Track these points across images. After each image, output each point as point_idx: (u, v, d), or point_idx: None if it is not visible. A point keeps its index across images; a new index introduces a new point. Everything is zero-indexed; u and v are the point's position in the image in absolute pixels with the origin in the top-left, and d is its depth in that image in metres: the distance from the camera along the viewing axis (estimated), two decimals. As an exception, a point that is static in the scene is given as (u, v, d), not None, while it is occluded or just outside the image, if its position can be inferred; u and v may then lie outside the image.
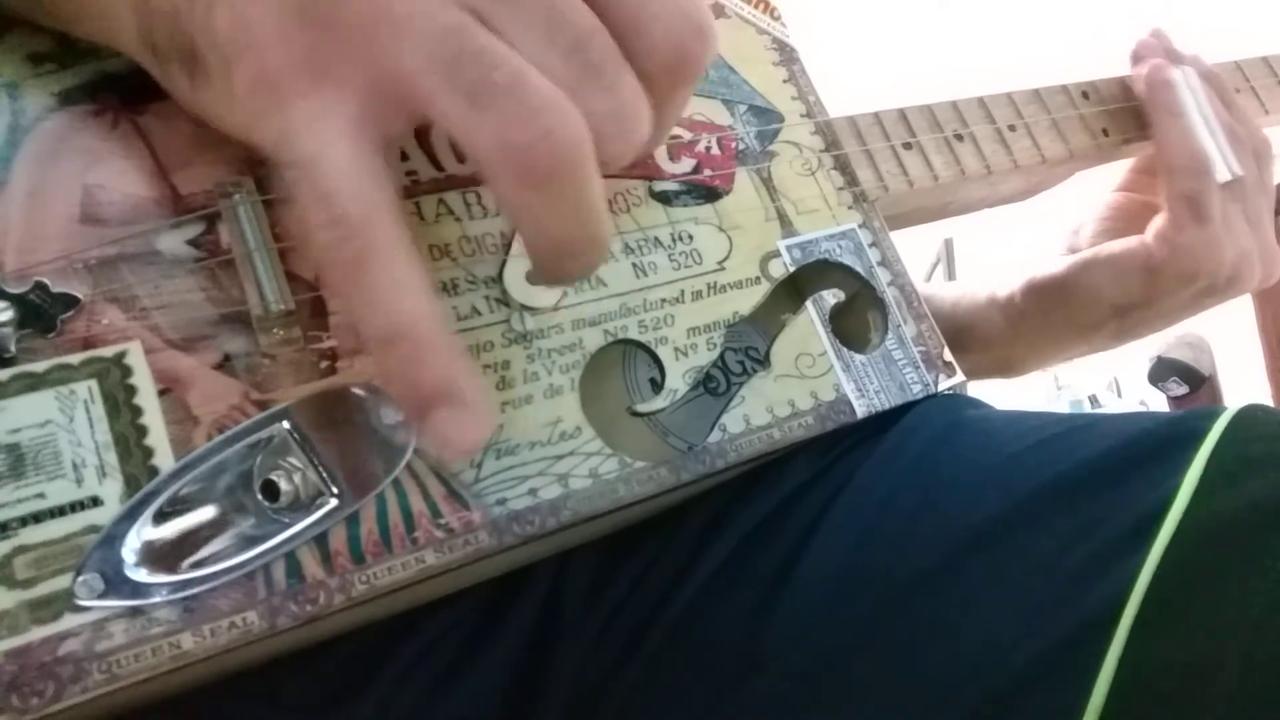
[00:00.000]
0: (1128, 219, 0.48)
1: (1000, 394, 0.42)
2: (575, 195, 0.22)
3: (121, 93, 0.28)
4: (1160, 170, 0.45)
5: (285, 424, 0.26)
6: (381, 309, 0.22)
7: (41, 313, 0.25)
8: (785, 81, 0.40)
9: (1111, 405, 1.87)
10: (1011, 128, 0.44)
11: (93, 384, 0.25)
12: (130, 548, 0.24)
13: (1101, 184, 0.51)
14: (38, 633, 0.23)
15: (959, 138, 0.42)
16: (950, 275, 1.80)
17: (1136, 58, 0.49)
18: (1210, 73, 0.48)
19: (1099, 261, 0.45)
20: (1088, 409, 1.85)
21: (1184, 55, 0.48)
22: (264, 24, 0.22)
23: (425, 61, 0.21)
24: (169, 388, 0.26)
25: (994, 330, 0.48)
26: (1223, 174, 0.44)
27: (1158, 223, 0.44)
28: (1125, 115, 0.48)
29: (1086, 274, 0.45)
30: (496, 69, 0.21)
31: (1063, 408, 1.86)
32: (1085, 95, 0.46)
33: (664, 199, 0.35)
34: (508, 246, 0.31)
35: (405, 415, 0.24)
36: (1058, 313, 0.46)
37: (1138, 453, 0.30)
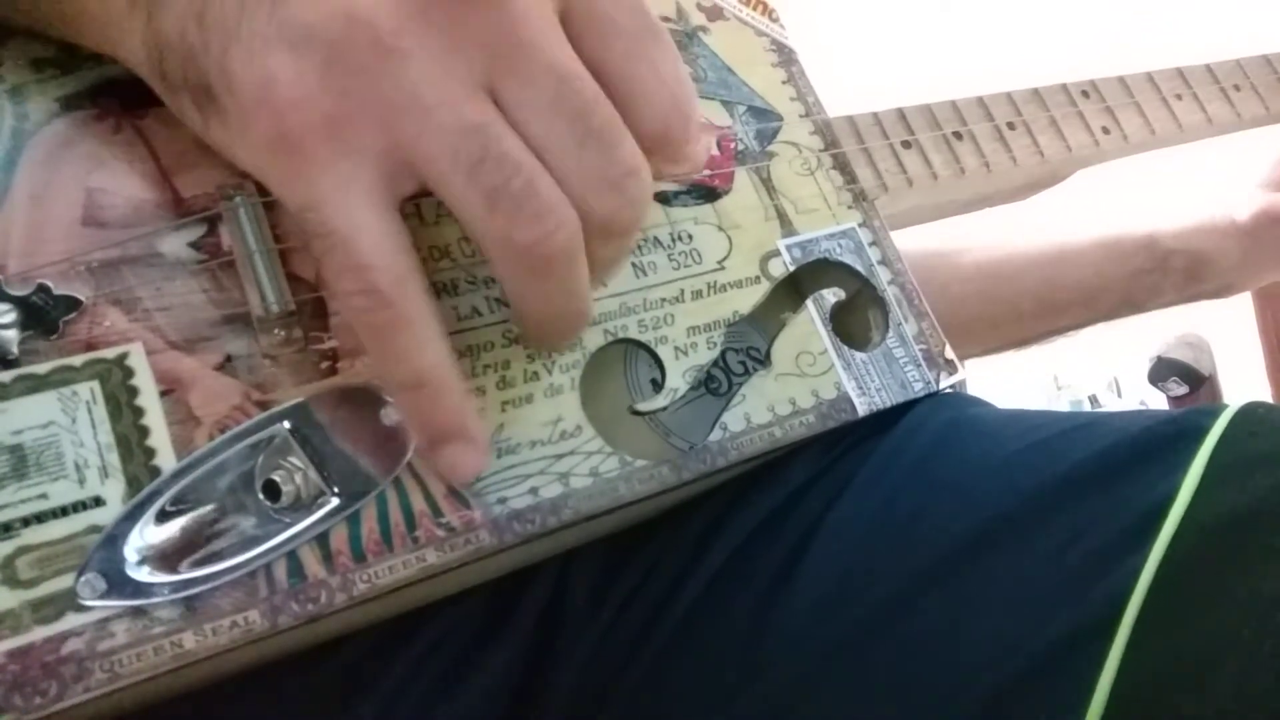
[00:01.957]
0: None
1: (1000, 394, 0.42)
2: (563, 283, 0.25)
3: (123, 97, 0.28)
4: None
5: (286, 424, 0.26)
6: (407, 363, 0.25)
7: (44, 315, 0.25)
8: (784, 82, 0.40)
9: (1111, 405, 1.86)
10: (1010, 126, 0.44)
11: (95, 385, 0.25)
12: (132, 547, 0.24)
13: (1094, 183, 0.51)
14: (40, 632, 0.23)
15: (958, 136, 0.42)
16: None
17: None
18: None
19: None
20: (1088, 409, 1.85)
21: None
22: (285, 82, 0.23)
23: (449, 155, 0.23)
24: (171, 389, 0.26)
25: (1230, 259, 0.52)
26: None
27: None
28: (1127, 113, 0.48)
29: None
30: (514, 176, 0.23)
31: (1062, 407, 1.86)
32: (1085, 94, 0.46)
33: (663, 199, 0.35)
34: None
35: (419, 448, 0.27)
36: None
37: (1139, 451, 0.30)
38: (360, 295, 0.24)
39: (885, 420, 0.35)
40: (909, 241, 0.39)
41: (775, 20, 0.41)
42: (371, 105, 0.23)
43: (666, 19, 0.39)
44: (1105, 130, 0.46)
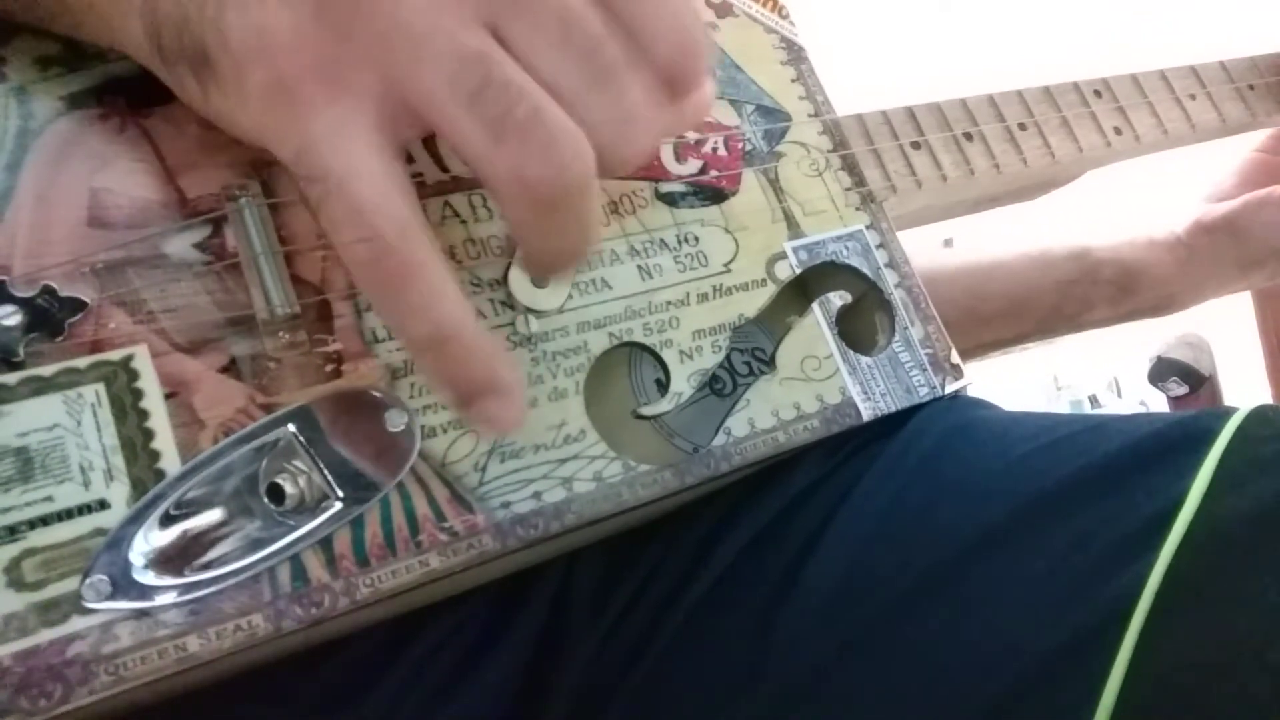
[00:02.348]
0: (1269, 175, 0.52)
1: (1000, 394, 0.42)
2: (575, 218, 0.23)
3: (128, 96, 0.28)
4: None
5: (291, 427, 0.27)
6: (425, 317, 0.23)
7: (49, 316, 0.25)
8: (793, 81, 0.40)
9: (1111, 405, 1.86)
10: (1022, 126, 0.43)
11: (100, 388, 0.25)
12: (137, 550, 0.24)
13: (1111, 185, 0.51)
14: (46, 635, 0.23)
15: (968, 137, 0.42)
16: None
17: None
18: None
19: (1274, 199, 0.49)
20: (1088, 409, 1.84)
21: None
22: (278, 28, 0.22)
23: (447, 85, 0.22)
24: (175, 391, 0.26)
25: (1164, 271, 0.52)
26: None
27: None
28: (1139, 113, 0.47)
29: (1260, 211, 0.49)
30: (519, 104, 0.22)
31: (1063, 408, 1.85)
32: (1098, 93, 0.46)
33: (670, 200, 0.35)
34: (512, 249, 0.31)
35: (453, 406, 0.26)
36: (1227, 251, 0.50)
37: (1148, 454, 0.29)
38: (362, 244, 0.22)
39: (891, 423, 0.35)
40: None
41: (785, 17, 0.41)
42: (366, 43, 0.22)
43: None
44: (1117, 131, 0.46)
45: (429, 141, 0.31)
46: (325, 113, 0.23)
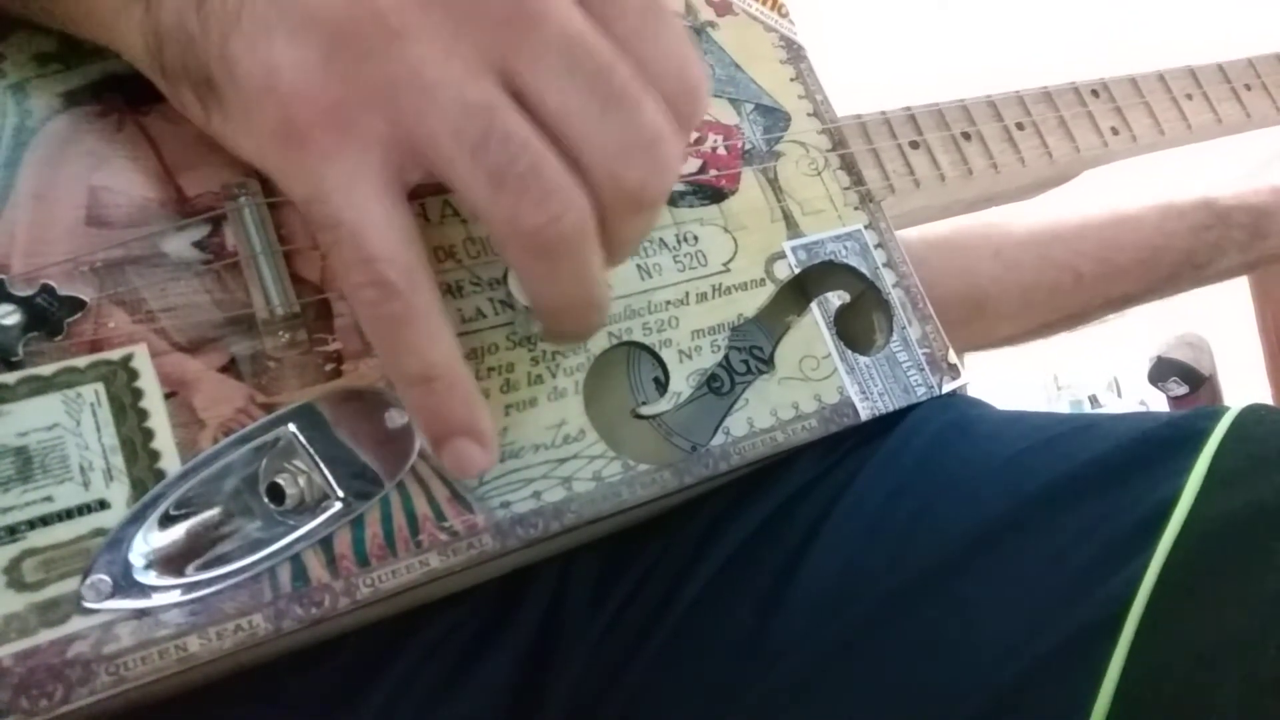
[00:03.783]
0: None
1: (1000, 394, 0.43)
2: (574, 267, 0.24)
3: (127, 93, 0.28)
4: None
5: (291, 427, 0.26)
6: (418, 357, 0.24)
7: (48, 316, 0.25)
8: (792, 80, 0.40)
9: (1111, 405, 1.87)
10: (1019, 126, 0.43)
11: (99, 387, 0.25)
12: (137, 551, 0.24)
13: (1110, 183, 0.51)
14: (46, 635, 0.23)
15: (966, 137, 0.42)
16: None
17: None
18: None
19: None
20: (1088, 409, 1.85)
21: None
22: (286, 69, 0.22)
23: (452, 135, 0.22)
24: (175, 391, 0.26)
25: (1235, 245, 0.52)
26: None
27: None
28: (1136, 113, 0.47)
29: None
30: (519, 156, 0.22)
31: (1063, 408, 1.86)
32: (1095, 93, 0.46)
33: (669, 200, 0.35)
34: None
35: (428, 442, 0.26)
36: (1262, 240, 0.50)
37: (1141, 453, 0.30)
38: (370, 288, 0.23)
39: (888, 421, 0.35)
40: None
41: (785, 15, 0.41)
42: (376, 90, 0.23)
43: (675, 14, 0.39)
44: (1114, 131, 0.46)
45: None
46: (336, 161, 0.23)
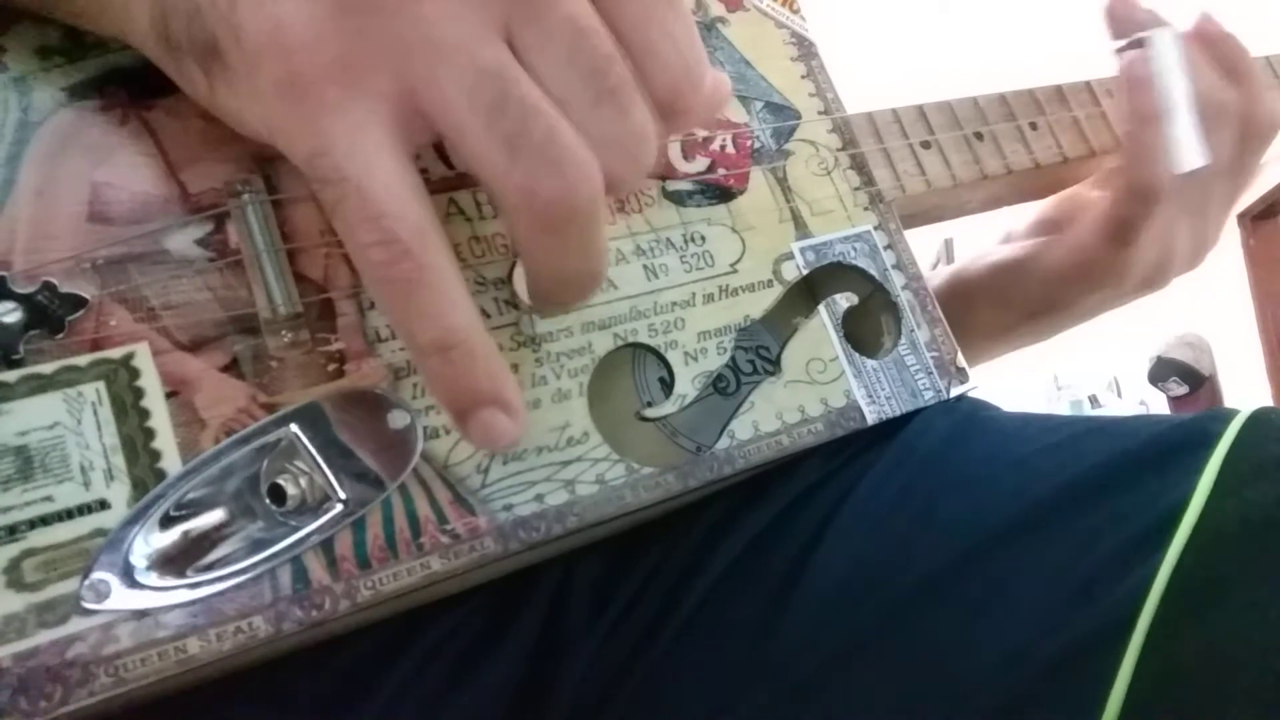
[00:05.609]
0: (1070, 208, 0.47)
1: (1001, 394, 0.42)
2: (583, 239, 0.23)
3: (130, 88, 0.27)
4: (1114, 179, 0.43)
5: (293, 427, 0.26)
6: (434, 323, 0.23)
7: (49, 314, 0.25)
8: (803, 77, 0.39)
9: (1111, 405, 1.86)
10: (1033, 125, 0.43)
11: (100, 386, 0.25)
12: (137, 551, 0.24)
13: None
14: (45, 636, 0.23)
15: (979, 136, 0.41)
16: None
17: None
18: (1205, 34, 0.43)
19: (1008, 265, 0.45)
20: (1088, 409, 1.85)
21: (1157, 18, 0.43)
22: (294, 23, 0.22)
23: (465, 97, 0.22)
24: (177, 390, 0.25)
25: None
26: (1183, 162, 0.39)
27: (1079, 227, 0.43)
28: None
29: (998, 277, 0.45)
30: (535, 123, 0.22)
31: (1063, 408, 1.85)
32: (1110, 93, 0.45)
33: (677, 199, 0.34)
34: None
35: (451, 415, 0.25)
36: (974, 313, 0.46)
37: (1151, 456, 0.29)
38: (378, 247, 0.22)
39: (893, 425, 0.35)
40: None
41: (796, 11, 0.40)
42: (385, 46, 0.22)
43: None
44: (1129, 131, 0.45)
45: (434, 137, 0.31)
46: (341, 114, 0.22)
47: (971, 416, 0.36)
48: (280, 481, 0.26)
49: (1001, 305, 0.45)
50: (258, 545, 0.25)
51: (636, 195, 0.34)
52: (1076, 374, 1.87)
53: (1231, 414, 0.30)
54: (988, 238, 0.50)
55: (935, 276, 0.48)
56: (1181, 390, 1.69)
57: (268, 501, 0.26)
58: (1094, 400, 1.86)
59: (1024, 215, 0.48)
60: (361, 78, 0.22)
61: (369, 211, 0.22)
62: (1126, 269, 0.42)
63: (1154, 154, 0.40)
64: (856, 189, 0.38)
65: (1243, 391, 1.58)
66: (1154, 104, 0.41)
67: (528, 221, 0.23)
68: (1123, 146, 0.43)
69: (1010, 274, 0.45)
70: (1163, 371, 1.69)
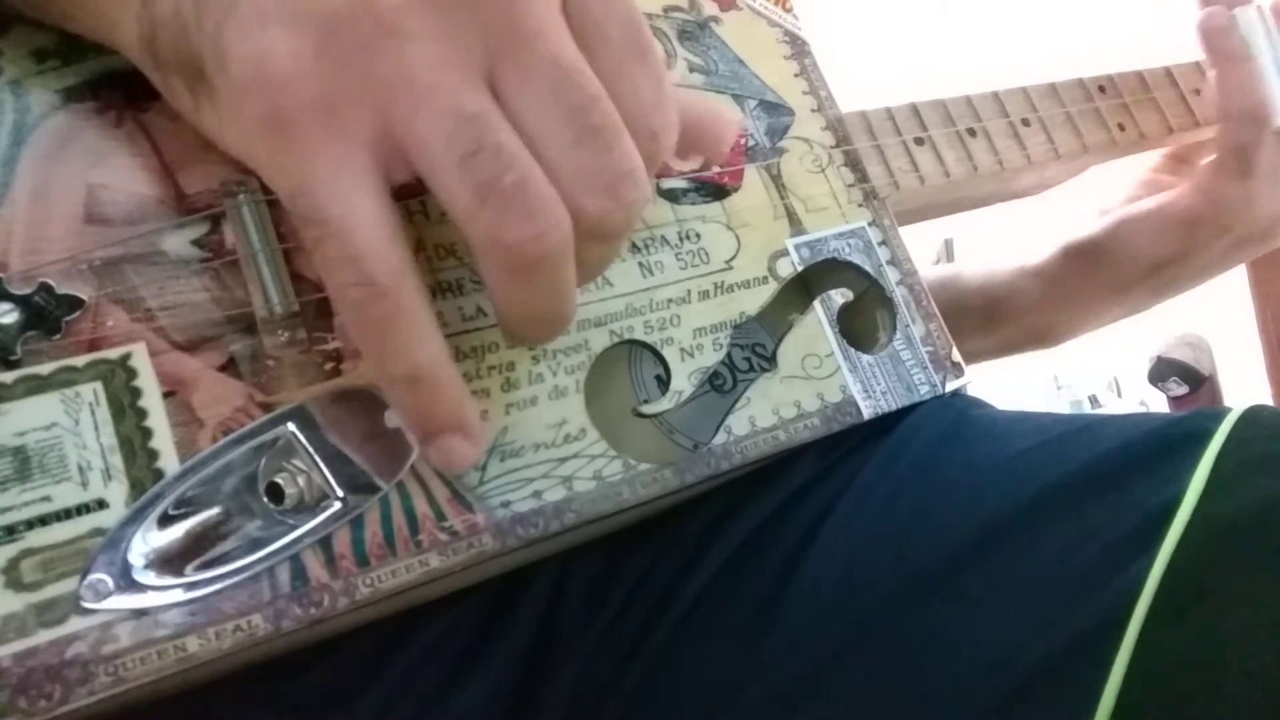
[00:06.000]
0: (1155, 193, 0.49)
1: (1001, 394, 0.42)
2: (549, 284, 0.24)
3: (125, 90, 0.28)
4: (1218, 117, 0.45)
5: (290, 426, 0.26)
6: (405, 358, 0.24)
7: (46, 314, 0.25)
8: (796, 75, 0.39)
9: (1111, 405, 1.86)
10: (1026, 122, 0.43)
11: (98, 386, 0.25)
12: (136, 550, 0.24)
13: (1117, 176, 0.51)
14: (44, 635, 0.23)
15: (972, 133, 0.42)
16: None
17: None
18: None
19: (1135, 217, 0.46)
20: (1088, 409, 1.85)
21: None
22: (278, 58, 0.22)
23: (442, 142, 0.22)
24: (174, 390, 0.26)
25: (1029, 299, 0.49)
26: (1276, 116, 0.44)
27: (1199, 174, 0.45)
28: (1144, 109, 0.47)
29: (1123, 229, 0.47)
30: (508, 172, 0.22)
31: (1063, 408, 1.85)
32: (1102, 89, 0.46)
33: (671, 197, 0.34)
34: None
35: (415, 439, 0.27)
36: (1095, 273, 0.47)
37: (1144, 453, 0.30)
38: (355, 288, 0.23)
39: (889, 420, 0.35)
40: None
41: (789, 10, 0.41)
42: (367, 85, 0.22)
43: (678, 8, 0.38)
44: (1121, 127, 0.46)
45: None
46: (322, 154, 0.22)
47: (965, 414, 0.36)
48: (278, 480, 0.26)
49: (1128, 258, 0.47)
50: (256, 544, 0.25)
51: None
52: (1076, 374, 1.87)
53: (1224, 411, 0.30)
54: (988, 238, 0.50)
55: (1047, 246, 0.49)
56: (1181, 390, 1.69)
57: (265, 500, 0.26)
58: (1094, 400, 1.86)
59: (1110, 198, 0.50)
60: (343, 116, 0.22)
61: (347, 253, 0.23)
62: (1252, 204, 0.44)
63: (1250, 83, 0.44)
64: (850, 186, 0.38)
65: (1243, 392, 1.58)
66: (1237, 46, 0.44)
67: (494, 265, 0.23)
68: (1218, 85, 0.46)
69: (1138, 224, 0.47)
70: (1163, 371, 1.69)
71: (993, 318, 0.50)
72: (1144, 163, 0.51)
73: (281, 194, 0.23)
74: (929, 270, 0.51)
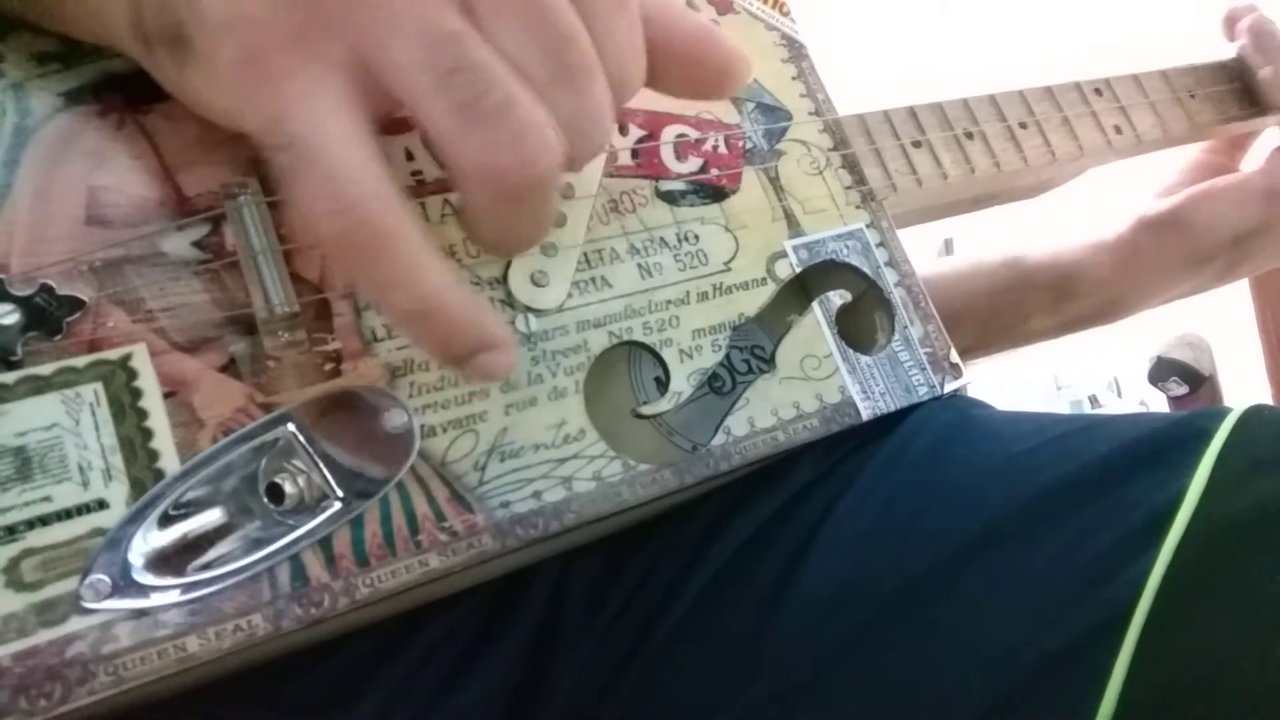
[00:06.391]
0: (1213, 174, 0.51)
1: (1001, 394, 0.42)
2: (534, 211, 0.23)
3: (126, 92, 0.28)
4: None
5: (290, 426, 0.26)
6: (406, 290, 0.22)
7: (47, 315, 0.25)
8: (794, 79, 0.39)
9: (1111, 405, 1.86)
10: (1023, 125, 0.43)
11: (98, 387, 0.25)
12: (136, 551, 0.24)
13: (1111, 180, 0.51)
14: (45, 635, 0.23)
15: (969, 136, 0.42)
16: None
17: (1231, 20, 0.50)
18: None
19: (1215, 192, 0.48)
20: (1088, 409, 1.85)
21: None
22: (251, 2, 0.22)
23: (419, 62, 0.21)
24: (174, 390, 0.26)
25: (1104, 272, 0.50)
26: None
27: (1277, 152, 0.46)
28: (1140, 112, 0.47)
29: (1204, 202, 0.48)
30: (491, 91, 0.21)
31: (1063, 408, 1.85)
32: (1098, 92, 0.46)
33: (670, 199, 0.35)
34: None
35: (446, 367, 0.25)
36: (1173, 245, 0.49)
37: (1145, 453, 0.30)
38: (332, 215, 0.21)
39: (888, 421, 0.35)
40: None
41: (786, 14, 0.41)
42: (340, 15, 0.22)
43: None
44: (1118, 130, 0.46)
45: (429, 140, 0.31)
46: (293, 78, 0.22)
47: (965, 415, 0.36)
48: (278, 480, 0.26)
49: (1209, 229, 0.48)
50: (256, 544, 0.25)
51: (630, 195, 0.34)
52: (1076, 374, 1.87)
53: (1225, 411, 0.30)
54: (987, 238, 0.51)
55: (1118, 222, 0.51)
56: (1181, 390, 1.69)
57: (266, 500, 0.26)
58: (1094, 400, 1.86)
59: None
60: (315, 45, 0.22)
61: (322, 173, 0.21)
62: None
63: None
64: (848, 188, 0.38)
65: (1243, 392, 1.58)
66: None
67: (482, 192, 0.22)
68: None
69: (1219, 196, 0.48)
70: (1163, 371, 1.70)
71: (1062, 293, 0.51)
72: (1183, 152, 0.53)
73: (256, 128, 0.22)
74: (997, 251, 0.52)
